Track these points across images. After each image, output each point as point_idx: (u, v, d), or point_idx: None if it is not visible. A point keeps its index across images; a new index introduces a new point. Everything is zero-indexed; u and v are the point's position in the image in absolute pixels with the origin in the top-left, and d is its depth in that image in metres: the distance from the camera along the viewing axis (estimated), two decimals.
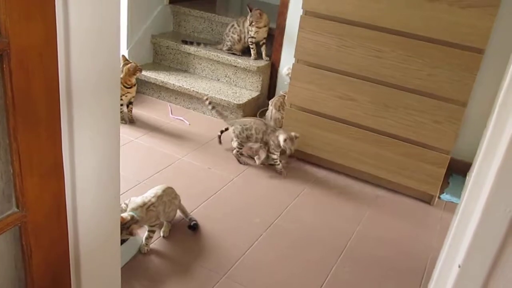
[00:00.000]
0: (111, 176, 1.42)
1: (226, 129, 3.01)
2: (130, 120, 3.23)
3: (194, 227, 2.25)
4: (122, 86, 3.15)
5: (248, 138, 2.83)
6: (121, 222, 1.84)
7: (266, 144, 2.81)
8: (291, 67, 3.21)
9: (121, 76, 3.14)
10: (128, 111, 3.22)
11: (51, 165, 1.19)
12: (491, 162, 0.77)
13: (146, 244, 2.10)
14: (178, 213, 2.28)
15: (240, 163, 2.87)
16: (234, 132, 2.86)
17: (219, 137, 3.05)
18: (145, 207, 2.05)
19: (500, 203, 0.76)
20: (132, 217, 1.97)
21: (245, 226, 2.35)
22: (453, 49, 2.38)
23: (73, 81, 1.16)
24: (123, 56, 3.22)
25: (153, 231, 2.12)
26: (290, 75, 3.18)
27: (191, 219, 2.28)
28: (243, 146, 2.86)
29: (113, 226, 1.53)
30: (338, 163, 2.89)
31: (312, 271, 2.13)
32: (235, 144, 2.87)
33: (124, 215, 1.96)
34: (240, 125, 2.84)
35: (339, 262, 2.19)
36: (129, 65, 3.13)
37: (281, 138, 2.72)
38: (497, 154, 0.75)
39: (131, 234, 1.94)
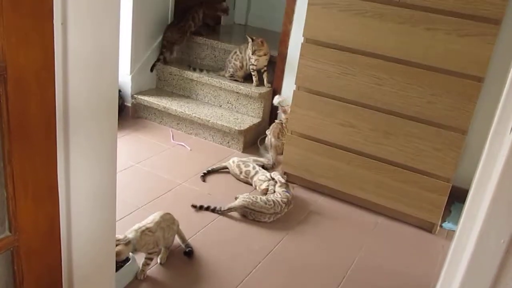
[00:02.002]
0: (107, 201, 1.41)
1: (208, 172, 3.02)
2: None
3: (189, 254, 2.23)
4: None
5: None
6: None
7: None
8: (283, 95, 3.30)
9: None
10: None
11: (46, 189, 1.19)
12: (484, 192, 0.76)
13: (143, 271, 2.07)
14: (176, 239, 2.26)
15: None
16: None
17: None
18: (140, 230, 2.03)
19: (494, 233, 0.75)
20: (125, 237, 1.95)
21: (244, 253, 2.33)
22: (452, 77, 2.39)
23: (70, 106, 1.17)
24: None
25: (151, 258, 2.10)
26: (281, 104, 3.29)
27: (187, 245, 2.25)
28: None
29: (108, 251, 1.51)
30: (338, 189, 2.87)
31: None
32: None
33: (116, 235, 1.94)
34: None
35: None
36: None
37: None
38: (490, 184, 0.74)
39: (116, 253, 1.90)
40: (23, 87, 1.04)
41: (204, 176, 2.97)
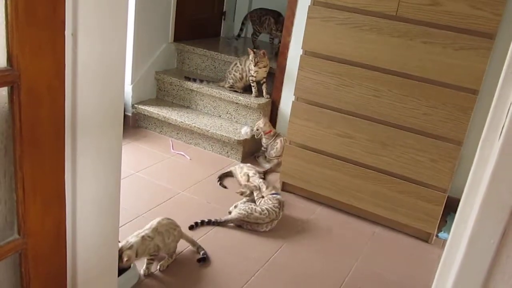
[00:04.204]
0: (111, 206, 1.45)
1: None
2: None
3: (202, 260, 2.30)
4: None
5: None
6: None
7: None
8: (246, 126, 3.43)
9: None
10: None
11: (54, 194, 1.23)
12: (475, 196, 0.80)
13: (147, 268, 2.14)
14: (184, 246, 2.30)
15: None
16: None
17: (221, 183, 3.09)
18: (140, 235, 2.09)
19: (485, 234, 0.79)
20: (127, 242, 2.00)
21: (242, 262, 2.36)
22: (447, 90, 2.44)
23: (78, 115, 1.21)
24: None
25: (153, 259, 2.16)
26: (253, 134, 3.40)
27: (202, 253, 2.33)
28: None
29: (111, 256, 1.55)
30: (335, 199, 2.91)
31: None
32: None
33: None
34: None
35: None
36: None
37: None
38: (480, 188, 0.79)
39: (122, 259, 1.94)
40: (35, 95, 1.09)
41: (221, 181, 3.08)
